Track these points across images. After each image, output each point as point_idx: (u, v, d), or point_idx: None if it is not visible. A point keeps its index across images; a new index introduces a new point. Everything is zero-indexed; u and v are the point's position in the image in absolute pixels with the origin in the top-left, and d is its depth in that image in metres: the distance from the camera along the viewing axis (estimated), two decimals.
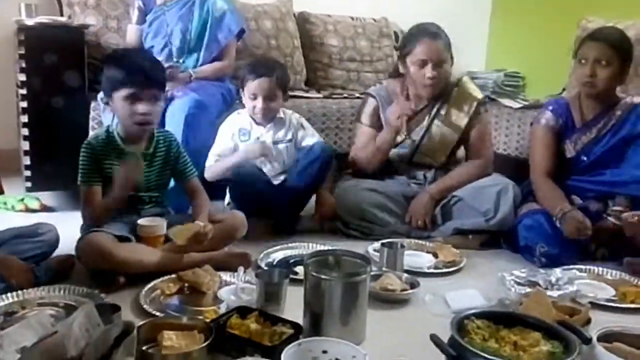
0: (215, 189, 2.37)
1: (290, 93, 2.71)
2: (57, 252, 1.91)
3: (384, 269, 1.96)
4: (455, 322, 1.33)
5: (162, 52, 2.75)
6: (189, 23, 2.78)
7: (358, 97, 3.26)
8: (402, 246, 2.06)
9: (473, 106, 2.51)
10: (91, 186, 1.94)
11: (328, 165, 2.43)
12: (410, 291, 1.83)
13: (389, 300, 1.79)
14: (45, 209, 2.62)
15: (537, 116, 2.45)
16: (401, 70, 2.49)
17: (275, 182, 2.42)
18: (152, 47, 2.77)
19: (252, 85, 2.39)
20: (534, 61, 3.78)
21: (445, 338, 1.29)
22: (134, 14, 2.83)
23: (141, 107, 1.92)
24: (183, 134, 2.32)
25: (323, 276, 1.47)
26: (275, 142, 2.47)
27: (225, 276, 1.87)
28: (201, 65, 2.79)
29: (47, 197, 2.68)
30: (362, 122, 2.59)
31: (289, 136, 2.51)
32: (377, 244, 2.17)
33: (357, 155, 2.53)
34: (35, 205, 2.58)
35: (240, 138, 2.46)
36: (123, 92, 1.91)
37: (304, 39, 3.54)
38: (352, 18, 3.77)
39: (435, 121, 2.51)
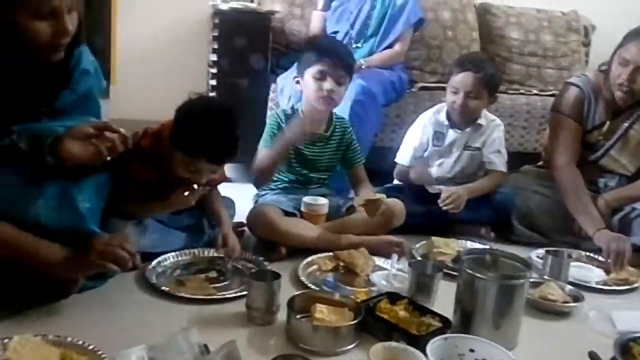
0: (378, 176, 2.41)
1: None
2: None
3: (545, 277, 1.85)
4: (619, 343, 1.23)
5: (344, 38, 2.84)
6: (371, 10, 2.84)
7: (536, 94, 3.10)
8: (570, 256, 1.93)
9: None
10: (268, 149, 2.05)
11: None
12: (573, 304, 1.71)
13: (547, 311, 1.69)
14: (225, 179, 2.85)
15: None
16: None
17: (441, 186, 2.31)
18: (336, 32, 2.88)
19: (455, 79, 2.26)
20: None
21: (605, 358, 1.20)
22: (320, 0, 2.95)
23: (326, 85, 2.02)
24: (349, 120, 2.37)
25: (478, 275, 1.43)
26: (465, 147, 2.33)
27: (379, 261, 1.90)
28: (376, 51, 2.83)
29: (226, 168, 2.92)
30: (561, 112, 2.32)
31: (479, 144, 2.34)
32: (541, 250, 2.06)
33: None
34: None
35: (434, 142, 2.35)
36: (314, 69, 2.03)
37: (483, 31, 3.43)
38: (538, 10, 3.56)
39: (635, 126, 2.27)
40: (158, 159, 1.69)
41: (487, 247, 2.08)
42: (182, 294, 1.58)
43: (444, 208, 2.16)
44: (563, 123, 2.31)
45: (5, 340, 1.18)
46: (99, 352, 1.21)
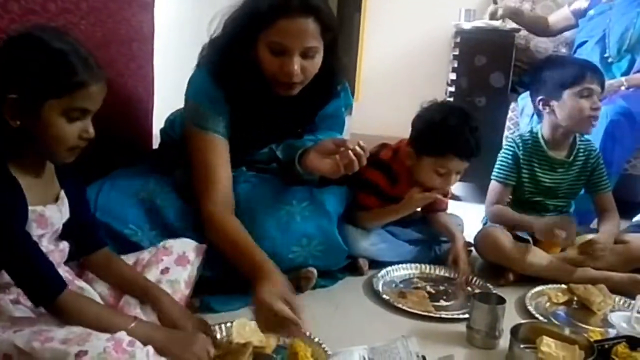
0: (627, 207, 2.18)
1: None
2: None
3: None
4: None
5: (594, 47, 2.64)
6: (632, 21, 2.59)
7: None
8: None
9: None
10: (505, 185, 1.99)
11: None
12: None
13: None
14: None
15: None
16: None
17: None
18: (586, 41, 2.70)
19: None
20: None
21: None
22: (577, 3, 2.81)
23: (595, 104, 1.89)
24: (602, 142, 2.18)
25: None
26: None
27: (620, 301, 1.72)
28: (635, 68, 2.56)
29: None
30: None
31: None
32: None
33: None
34: None
35: None
36: (579, 87, 1.89)
37: None
38: None
39: None
40: (393, 170, 1.83)
41: None
42: (400, 306, 1.61)
43: None
44: None
45: (229, 324, 1.34)
46: (323, 346, 1.30)
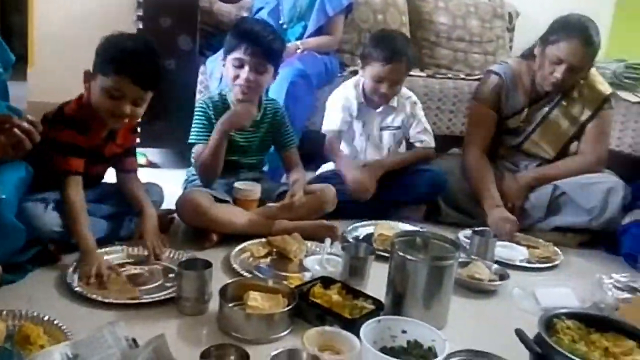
0: (311, 160, 2.40)
1: None
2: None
3: (473, 256, 1.91)
4: (544, 320, 1.28)
5: (270, 14, 2.77)
6: None
7: (462, 79, 3.16)
8: (495, 236, 1.99)
9: (598, 101, 2.31)
10: (203, 144, 1.99)
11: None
12: (499, 283, 1.77)
13: (475, 290, 1.74)
14: (150, 164, 2.77)
15: None
16: (536, 52, 2.28)
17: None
18: (262, 8, 2.82)
19: (381, 70, 2.21)
20: None
21: (531, 335, 1.25)
22: None
23: (244, 73, 1.96)
24: (284, 102, 2.35)
25: (409, 257, 1.45)
26: (382, 129, 2.38)
27: (313, 246, 1.90)
28: (307, 33, 2.80)
29: (153, 153, 2.84)
30: (478, 99, 2.42)
31: (397, 123, 2.39)
32: (468, 231, 2.12)
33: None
34: (142, 160, 2.73)
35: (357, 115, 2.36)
36: (233, 56, 1.98)
37: (412, 16, 3.45)
38: None
39: (555, 111, 2.34)
40: (80, 122, 1.70)
41: (418, 228, 2.12)
42: (99, 298, 1.45)
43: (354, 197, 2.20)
44: (478, 110, 2.42)
45: None
46: (56, 322, 1.23)
